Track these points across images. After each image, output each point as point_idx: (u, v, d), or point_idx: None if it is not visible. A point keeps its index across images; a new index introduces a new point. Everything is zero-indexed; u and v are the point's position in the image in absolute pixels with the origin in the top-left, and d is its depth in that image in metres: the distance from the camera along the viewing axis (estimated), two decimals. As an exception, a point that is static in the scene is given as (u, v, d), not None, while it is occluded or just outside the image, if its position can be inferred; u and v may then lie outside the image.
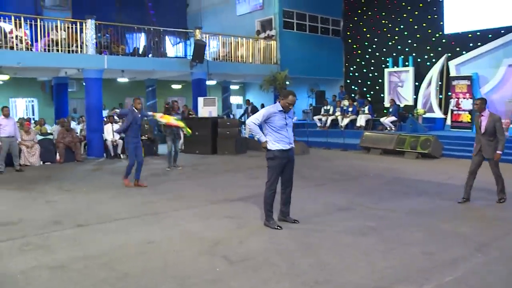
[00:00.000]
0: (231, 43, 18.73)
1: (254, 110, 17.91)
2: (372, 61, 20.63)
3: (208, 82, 18.19)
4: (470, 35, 17.12)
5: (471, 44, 16.97)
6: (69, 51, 14.20)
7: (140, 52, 17.02)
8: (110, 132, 14.24)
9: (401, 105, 18.14)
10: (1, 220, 6.75)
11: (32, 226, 6.38)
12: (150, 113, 10.63)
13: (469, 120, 16.25)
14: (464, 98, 16.56)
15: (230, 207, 7.41)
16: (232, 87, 23.55)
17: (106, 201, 8.11)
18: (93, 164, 13.15)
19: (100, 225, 6.41)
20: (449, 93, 17.20)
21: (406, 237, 5.74)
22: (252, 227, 6.24)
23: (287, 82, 17.90)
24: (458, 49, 17.46)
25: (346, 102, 18.83)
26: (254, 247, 5.38)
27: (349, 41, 21.71)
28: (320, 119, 19.04)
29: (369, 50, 20.77)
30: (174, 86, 22.25)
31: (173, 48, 21.05)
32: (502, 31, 16.08)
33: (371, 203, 7.68)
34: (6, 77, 15.80)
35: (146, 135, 14.98)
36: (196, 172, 11.37)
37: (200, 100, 15.99)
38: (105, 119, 15.21)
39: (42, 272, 4.66)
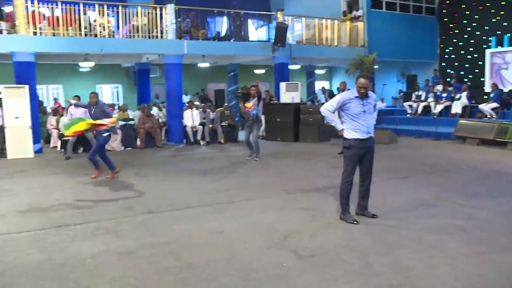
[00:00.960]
0: (315, 25, 18.14)
1: (331, 96, 17.28)
2: (472, 41, 18.90)
3: (291, 67, 17.76)
4: None
5: None
6: (149, 37, 14.47)
7: (222, 36, 16.97)
8: (189, 118, 14.38)
9: (505, 90, 16.53)
10: (79, 204, 6.94)
11: (105, 211, 6.48)
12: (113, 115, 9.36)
13: None
14: None
15: (305, 198, 7.07)
16: (317, 71, 22.97)
17: (180, 188, 8.10)
18: (172, 150, 13.35)
19: (171, 213, 6.36)
20: None
21: (501, 241, 5.05)
22: (326, 221, 5.87)
23: (375, 66, 17.12)
24: None
25: (440, 87, 17.50)
26: (326, 242, 5.03)
27: (445, 19, 20.06)
28: (410, 106, 17.94)
29: (468, 29, 19.07)
30: (257, 71, 22.07)
31: (255, 31, 20.88)
32: None
33: (462, 199, 6.93)
34: (91, 64, 16.42)
35: (227, 121, 14.99)
36: (275, 160, 11.10)
37: (282, 85, 15.68)
38: (186, 104, 15.41)
39: (109, 257, 4.68)
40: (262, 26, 20.66)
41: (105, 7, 13.86)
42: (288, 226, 5.62)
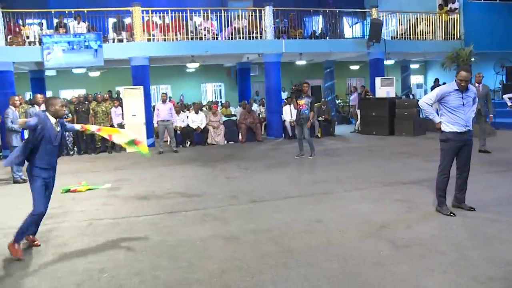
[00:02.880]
0: (409, 19, 17.81)
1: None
2: None
3: (386, 62, 17.63)
4: None
5: None
6: (250, 38, 15.11)
7: (318, 35, 17.26)
8: (288, 113, 14.80)
9: None
10: (189, 192, 7.59)
11: (212, 199, 7.04)
12: (74, 126, 5.69)
13: None
14: None
15: (401, 190, 7.17)
16: (412, 66, 22.49)
17: (279, 179, 8.50)
18: (272, 144, 13.85)
19: (272, 202, 6.76)
20: None
21: None
22: (422, 212, 5.97)
23: (472, 59, 16.47)
24: None
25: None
26: (422, 233, 5.14)
27: (553, 7, 18.90)
28: (510, 98, 17.05)
29: None
30: (352, 67, 22.11)
31: (350, 29, 20.90)
32: None
33: None
34: (197, 65, 17.56)
35: (324, 116, 15.26)
36: (370, 153, 11.21)
37: (378, 80, 15.78)
38: (285, 100, 15.87)
39: (217, 241, 5.13)
40: (356, 23, 20.63)
41: (209, 12, 14.84)
42: (384, 216, 5.79)
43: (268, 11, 15.03)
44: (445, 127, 5.77)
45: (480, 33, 17.76)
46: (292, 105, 14.20)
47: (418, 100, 15.70)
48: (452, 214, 5.72)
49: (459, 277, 3.99)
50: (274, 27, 15.34)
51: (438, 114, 5.88)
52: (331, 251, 4.68)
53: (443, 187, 5.83)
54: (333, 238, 5.09)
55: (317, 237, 5.12)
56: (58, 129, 4.97)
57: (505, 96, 17.25)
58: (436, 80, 19.00)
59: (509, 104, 16.88)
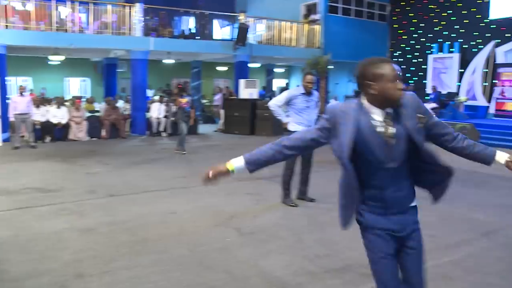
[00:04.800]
0: (275, 26, 18.94)
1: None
2: (417, 46, 20.25)
3: (252, 65, 18.55)
4: (521, 21, 16.57)
5: (522, 30, 16.45)
6: (118, 33, 14.92)
7: (187, 35, 17.59)
8: (155, 110, 14.94)
9: (444, 92, 17.85)
10: (45, 188, 7.42)
11: (69, 194, 7.02)
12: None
13: (513, 109, 15.93)
14: (510, 86, 16.14)
15: (253, 185, 7.76)
16: (277, 70, 23.79)
17: (140, 174, 8.68)
18: (136, 141, 13.88)
19: (131, 196, 6.95)
20: (494, 81, 16.78)
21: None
22: (269, 204, 6.60)
23: (329, 66, 17.98)
24: (507, 35, 16.89)
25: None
26: (266, 222, 5.74)
27: (395, 26, 21.34)
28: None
29: (415, 35, 20.39)
30: (219, 68, 22.74)
31: (220, 30, 21.52)
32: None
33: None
34: (61, 58, 16.82)
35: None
36: (230, 151, 11.77)
37: (241, 82, 16.44)
38: (152, 98, 15.94)
39: (72, 233, 5.22)
40: (226, 26, 21.28)
41: (77, 4, 14.35)
42: (234, 208, 6.32)
43: (138, 7, 14.98)
44: (292, 127, 6.46)
45: (337, 44, 19.46)
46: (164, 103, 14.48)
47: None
48: (295, 205, 6.42)
49: (293, 257, 4.61)
50: (143, 24, 15.33)
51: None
52: (182, 239, 5.05)
53: (288, 181, 6.51)
54: (185, 227, 5.47)
55: (171, 227, 5.46)
56: None
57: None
58: (286, 85, 20.45)
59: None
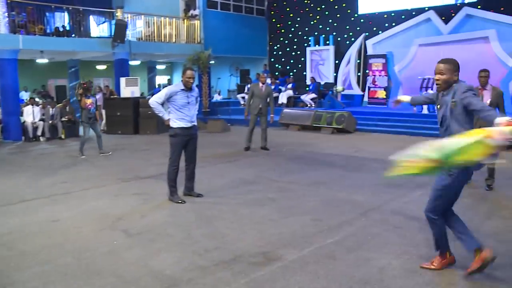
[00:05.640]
0: (154, 22, 18.60)
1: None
2: (295, 40, 21.16)
3: (132, 62, 18.07)
4: (385, 16, 17.97)
5: (386, 24, 17.85)
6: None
7: (61, 32, 16.59)
8: (30, 114, 13.95)
9: (322, 83, 18.83)
10: None
11: None
12: None
13: (384, 96, 17.24)
14: (379, 75, 17.43)
15: (139, 185, 7.63)
16: (159, 67, 23.44)
17: (15, 183, 8.06)
18: (10, 147, 12.86)
19: (5, 208, 6.43)
20: (367, 71, 18.04)
21: (301, 207, 6.20)
22: (157, 203, 6.50)
23: (211, 62, 18.08)
24: (374, 28, 18.27)
25: (268, 80, 19.21)
26: (155, 221, 5.66)
27: (273, 20, 22.11)
28: (243, 97, 19.29)
29: (292, 29, 21.30)
30: (99, 67, 21.88)
31: (98, 28, 20.63)
32: (413, 13, 17.06)
33: (277, 176, 8.13)
34: None
35: (67, 117, 14.77)
36: (114, 152, 11.38)
37: (122, 80, 15.95)
38: (25, 101, 14.85)
39: None
40: (103, 22, 20.45)
41: None
42: (120, 210, 6.13)
43: (0, 1, 13.78)
44: (173, 123, 6.39)
45: (218, 39, 19.61)
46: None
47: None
48: (182, 202, 6.39)
49: (182, 253, 4.60)
50: (8, 20, 14.16)
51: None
52: (66, 247, 4.79)
53: (174, 178, 6.46)
54: (69, 235, 5.20)
55: (53, 236, 5.15)
56: None
57: (239, 96, 19.45)
58: (168, 81, 20.30)
59: (242, 102, 19.05)
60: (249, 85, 19.29)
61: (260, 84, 10.92)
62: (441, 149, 3.36)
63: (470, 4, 15.78)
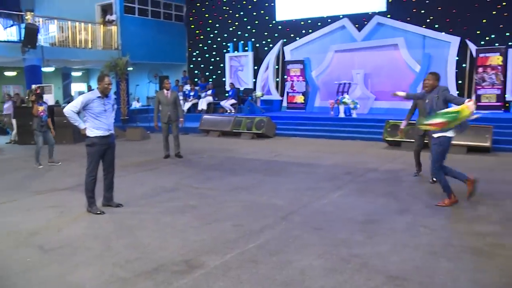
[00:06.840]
0: (69, 27, 17.93)
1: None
2: (214, 46, 21.28)
3: (45, 69, 17.28)
4: (302, 23, 18.52)
5: (303, 31, 18.42)
6: None
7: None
8: None
9: (241, 89, 19.04)
10: None
11: None
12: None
13: (303, 101, 17.76)
14: (298, 81, 17.92)
15: (55, 197, 7.31)
16: (74, 73, 22.62)
17: None
18: None
19: None
20: (285, 76, 18.47)
21: (223, 213, 6.23)
22: (74, 215, 6.25)
23: (130, 68, 17.74)
24: (292, 35, 18.77)
25: (188, 87, 19.29)
26: (73, 234, 5.44)
27: (192, 26, 22.09)
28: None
29: (211, 35, 21.39)
30: (8, 73, 20.72)
31: (4, 31, 19.49)
32: (329, 20, 17.74)
33: (197, 183, 8.12)
34: None
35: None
36: (28, 163, 10.83)
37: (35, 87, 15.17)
38: None
39: None
40: (12, 25, 19.35)
41: None
42: (35, 224, 5.83)
43: None
44: (90, 132, 6.21)
45: (135, 45, 19.35)
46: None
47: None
48: (101, 213, 6.21)
49: (102, 266, 4.46)
50: None
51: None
52: (-25, 268, 4.50)
53: (92, 188, 6.27)
54: (-22, 254, 4.89)
55: (-42, 258, 4.82)
56: None
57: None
58: (89, 87, 19.70)
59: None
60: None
61: (165, 91, 10.78)
62: (445, 114, 5.96)
63: (380, 13, 16.64)
